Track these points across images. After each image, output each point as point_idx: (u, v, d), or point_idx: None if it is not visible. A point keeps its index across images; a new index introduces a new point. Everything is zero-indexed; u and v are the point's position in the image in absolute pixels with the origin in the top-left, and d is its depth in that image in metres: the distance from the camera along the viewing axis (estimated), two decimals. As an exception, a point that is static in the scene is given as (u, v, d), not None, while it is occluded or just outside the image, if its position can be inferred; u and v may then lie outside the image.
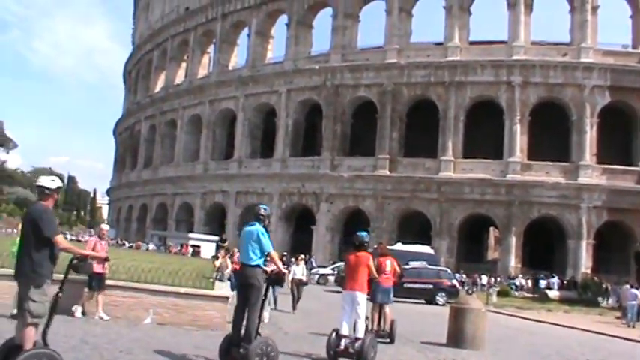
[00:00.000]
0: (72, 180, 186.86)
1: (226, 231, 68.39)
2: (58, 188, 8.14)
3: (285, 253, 48.89)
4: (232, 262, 28.51)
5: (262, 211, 11.24)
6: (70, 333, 12.35)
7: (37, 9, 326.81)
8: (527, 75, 59.68)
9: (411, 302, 35.23)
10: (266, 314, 19.53)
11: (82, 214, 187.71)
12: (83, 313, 15.57)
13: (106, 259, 14.85)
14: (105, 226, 17.28)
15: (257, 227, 11.00)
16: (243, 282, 10.90)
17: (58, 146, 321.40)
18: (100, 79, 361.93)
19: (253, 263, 10.80)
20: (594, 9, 61.00)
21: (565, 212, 57.47)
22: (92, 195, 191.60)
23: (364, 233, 13.79)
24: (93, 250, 15.49)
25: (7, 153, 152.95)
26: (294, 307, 23.85)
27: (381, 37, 67.32)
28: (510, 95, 59.68)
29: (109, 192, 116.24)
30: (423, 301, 37.15)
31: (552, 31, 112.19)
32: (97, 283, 15.45)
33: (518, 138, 59.15)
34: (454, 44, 62.58)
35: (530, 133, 59.53)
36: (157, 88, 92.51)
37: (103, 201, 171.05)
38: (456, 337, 16.80)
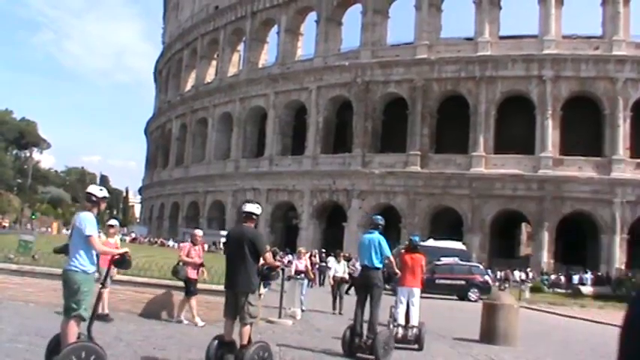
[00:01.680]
0: (104, 179, 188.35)
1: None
2: (259, 214, 10.38)
3: (324, 250, 49.15)
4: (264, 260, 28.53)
5: (380, 221, 13.33)
6: (104, 330, 12.48)
7: (67, 10, 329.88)
8: (559, 69, 59.19)
9: (444, 298, 35.14)
10: (298, 311, 19.60)
11: (115, 212, 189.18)
12: (176, 318, 15.90)
13: (201, 265, 15.62)
14: (198, 232, 17.47)
15: (378, 235, 12.81)
16: (367, 282, 12.65)
17: (90, 146, 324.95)
18: (131, 78, 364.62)
19: (376, 266, 12.67)
20: (626, 1, 60.22)
21: (598, 207, 56.94)
22: (124, 194, 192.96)
23: (417, 237, 16.26)
24: (187, 255, 15.93)
25: (41, 153, 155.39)
26: (335, 307, 22.70)
27: (411, 33, 67.18)
28: (542, 90, 59.22)
29: (140, 190, 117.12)
30: (455, 297, 37.01)
31: (584, 24, 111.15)
32: (194, 288, 15.74)
33: (549, 133, 58.68)
34: (484, 39, 62.23)
35: (562, 128, 59.02)
36: (188, 87, 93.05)
37: (135, 200, 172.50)
38: (489, 334, 16.75)
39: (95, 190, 8.85)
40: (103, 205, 8.92)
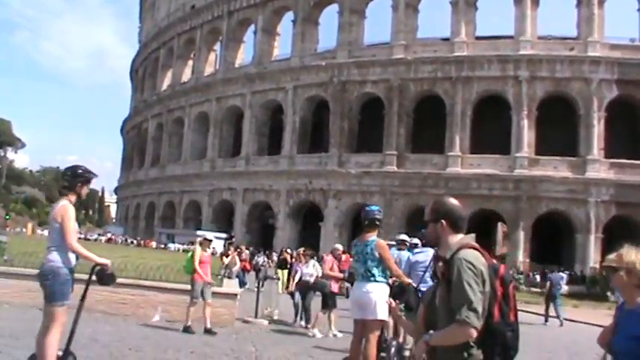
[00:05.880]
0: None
1: (234, 228, 68.69)
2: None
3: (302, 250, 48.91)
4: (241, 260, 28.37)
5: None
6: (79, 331, 12.39)
7: (45, 11, 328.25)
8: (534, 69, 59.53)
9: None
10: (275, 311, 19.52)
11: (90, 212, 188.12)
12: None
13: (343, 279, 16.25)
14: (339, 246, 17.62)
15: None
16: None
17: (66, 145, 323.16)
18: (108, 78, 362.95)
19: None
20: (601, 2, 60.75)
21: (573, 207, 57.33)
22: (100, 194, 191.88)
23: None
24: (331, 269, 16.36)
25: (15, 152, 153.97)
26: (302, 319, 18.09)
27: (388, 33, 67.27)
28: (517, 90, 59.53)
29: (116, 190, 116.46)
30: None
31: (559, 26, 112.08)
32: (332, 301, 16.31)
33: (525, 133, 59.00)
34: (460, 39, 62.46)
35: (537, 128, 59.36)
36: (164, 87, 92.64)
37: (110, 199, 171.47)
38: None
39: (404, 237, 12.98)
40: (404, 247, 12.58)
